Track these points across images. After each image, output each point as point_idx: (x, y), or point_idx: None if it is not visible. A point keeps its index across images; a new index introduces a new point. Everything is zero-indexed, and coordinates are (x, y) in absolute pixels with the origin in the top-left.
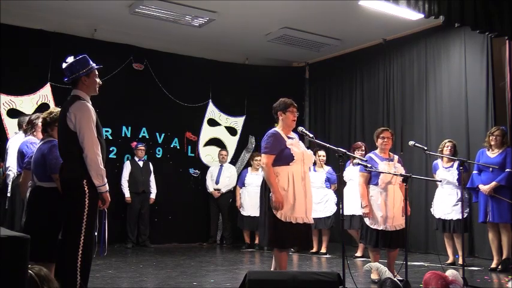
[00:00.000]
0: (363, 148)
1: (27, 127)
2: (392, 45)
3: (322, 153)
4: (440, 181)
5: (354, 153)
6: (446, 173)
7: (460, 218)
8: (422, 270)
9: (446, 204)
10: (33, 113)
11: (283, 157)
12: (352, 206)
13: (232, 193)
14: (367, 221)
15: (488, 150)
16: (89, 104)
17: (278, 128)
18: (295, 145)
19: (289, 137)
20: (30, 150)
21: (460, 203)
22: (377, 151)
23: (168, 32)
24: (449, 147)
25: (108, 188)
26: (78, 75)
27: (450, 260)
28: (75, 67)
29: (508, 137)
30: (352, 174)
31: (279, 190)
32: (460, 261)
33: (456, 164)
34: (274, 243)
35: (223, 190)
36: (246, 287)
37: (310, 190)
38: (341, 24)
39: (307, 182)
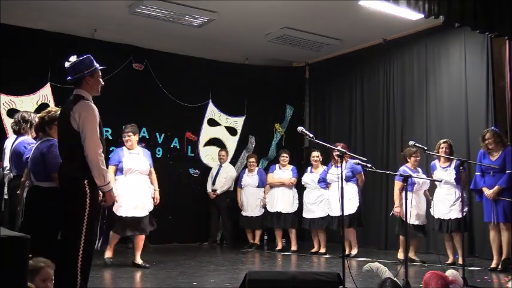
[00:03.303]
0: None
1: (25, 126)
2: (393, 45)
3: (315, 153)
4: (440, 181)
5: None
6: (443, 172)
7: (458, 217)
8: (422, 270)
9: (444, 204)
10: (24, 111)
11: (119, 168)
12: (336, 207)
13: (229, 193)
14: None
15: (489, 154)
16: (93, 104)
17: (125, 146)
18: (129, 159)
19: (132, 153)
20: (28, 151)
21: (458, 202)
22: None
23: (168, 32)
24: (443, 148)
25: (111, 186)
26: (83, 75)
27: (450, 260)
28: (80, 67)
29: (508, 137)
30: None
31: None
32: (460, 261)
33: (454, 163)
34: (111, 228)
35: (219, 191)
36: (246, 287)
37: (142, 192)
38: (341, 24)
39: (134, 187)
